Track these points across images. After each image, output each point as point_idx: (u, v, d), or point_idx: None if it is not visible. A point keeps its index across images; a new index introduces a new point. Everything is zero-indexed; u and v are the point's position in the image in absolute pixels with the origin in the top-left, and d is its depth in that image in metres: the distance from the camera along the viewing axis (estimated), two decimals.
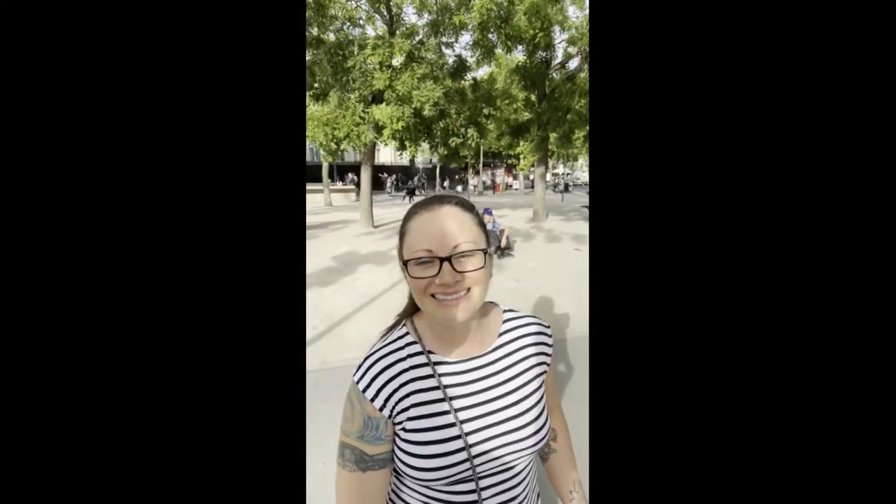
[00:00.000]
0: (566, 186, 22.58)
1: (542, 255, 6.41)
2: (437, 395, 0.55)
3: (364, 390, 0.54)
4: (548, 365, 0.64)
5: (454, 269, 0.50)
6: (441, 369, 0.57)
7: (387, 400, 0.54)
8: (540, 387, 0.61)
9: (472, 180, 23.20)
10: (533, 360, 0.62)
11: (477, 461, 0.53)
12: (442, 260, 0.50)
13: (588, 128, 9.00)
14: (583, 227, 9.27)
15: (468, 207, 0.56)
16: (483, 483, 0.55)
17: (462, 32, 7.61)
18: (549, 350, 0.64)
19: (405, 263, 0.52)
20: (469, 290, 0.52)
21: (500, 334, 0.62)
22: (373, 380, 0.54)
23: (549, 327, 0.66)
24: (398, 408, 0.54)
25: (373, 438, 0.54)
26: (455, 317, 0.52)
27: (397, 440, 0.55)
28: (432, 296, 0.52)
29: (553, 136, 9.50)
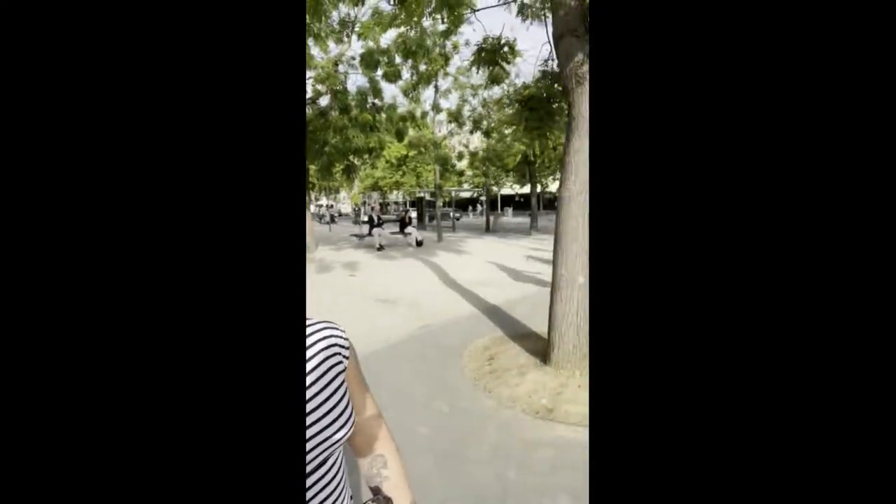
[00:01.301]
0: (332, 217, 23.03)
1: (319, 284, 6.37)
2: None
3: None
4: (346, 359, 0.69)
5: None
6: None
7: None
8: (343, 382, 0.67)
9: None
10: (332, 361, 0.66)
11: None
12: None
13: (345, 161, 9.65)
14: (353, 255, 9.77)
15: None
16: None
17: None
18: (345, 351, 0.69)
19: None
20: None
21: None
22: None
23: (344, 330, 0.71)
24: None
25: None
26: None
27: None
28: None
29: (313, 168, 9.60)
